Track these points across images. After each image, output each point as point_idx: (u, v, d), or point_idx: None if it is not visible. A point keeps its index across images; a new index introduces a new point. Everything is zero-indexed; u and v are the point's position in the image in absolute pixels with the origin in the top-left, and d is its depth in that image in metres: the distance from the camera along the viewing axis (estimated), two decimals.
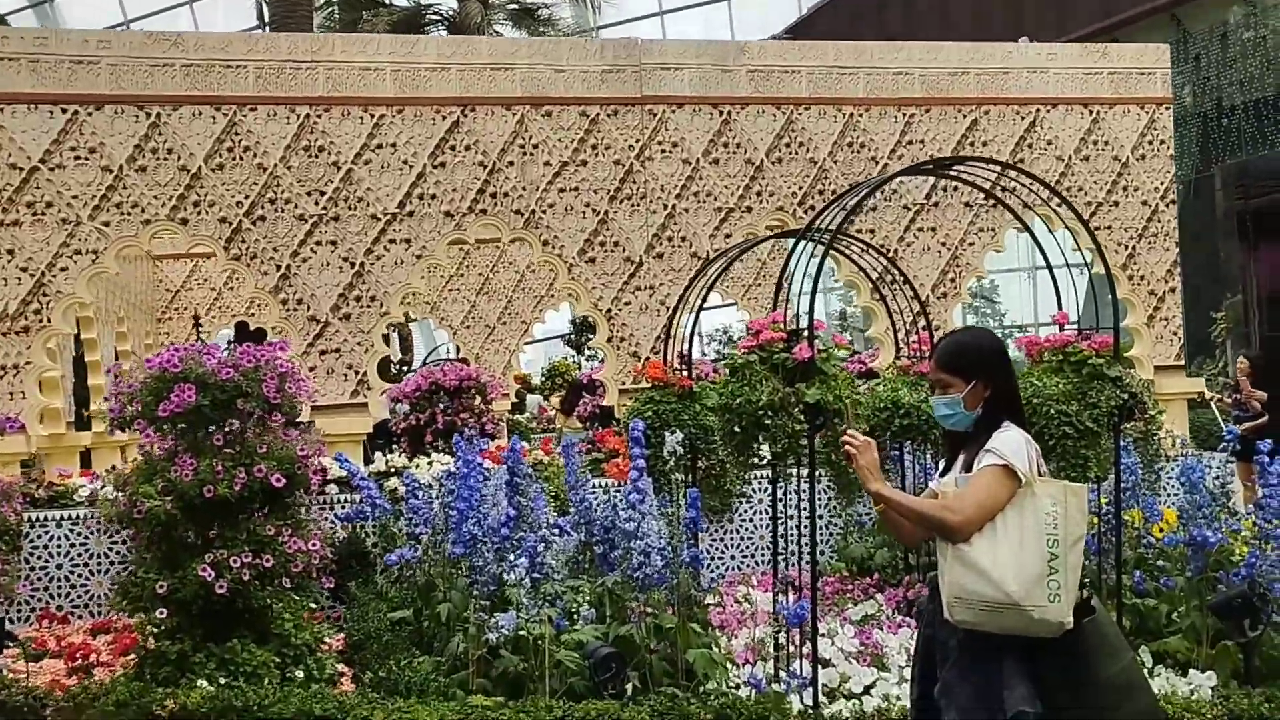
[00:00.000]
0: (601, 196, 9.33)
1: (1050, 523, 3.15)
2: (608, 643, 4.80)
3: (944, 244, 10.05)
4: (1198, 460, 6.18)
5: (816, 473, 5.22)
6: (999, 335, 3.58)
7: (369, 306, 8.84)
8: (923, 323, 7.23)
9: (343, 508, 7.60)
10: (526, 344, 17.51)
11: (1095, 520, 5.56)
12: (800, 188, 9.76)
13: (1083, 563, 3.21)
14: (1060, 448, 5.34)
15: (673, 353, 6.91)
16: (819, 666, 5.66)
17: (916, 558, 7.42)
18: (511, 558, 4.90)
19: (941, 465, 3.61)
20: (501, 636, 4.80)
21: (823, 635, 6.32)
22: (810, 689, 5.01)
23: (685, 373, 6.56)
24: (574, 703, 4.47)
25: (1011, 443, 3.27)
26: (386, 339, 23.49)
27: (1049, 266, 5.95)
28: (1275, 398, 9.13)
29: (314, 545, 5.39)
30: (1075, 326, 5.70)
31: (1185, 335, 20.95)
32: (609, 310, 9.39)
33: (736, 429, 5.01)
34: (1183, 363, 10.38)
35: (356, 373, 8.79)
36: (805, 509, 5.35)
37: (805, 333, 5.07)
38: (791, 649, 5.70)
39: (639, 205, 9.40)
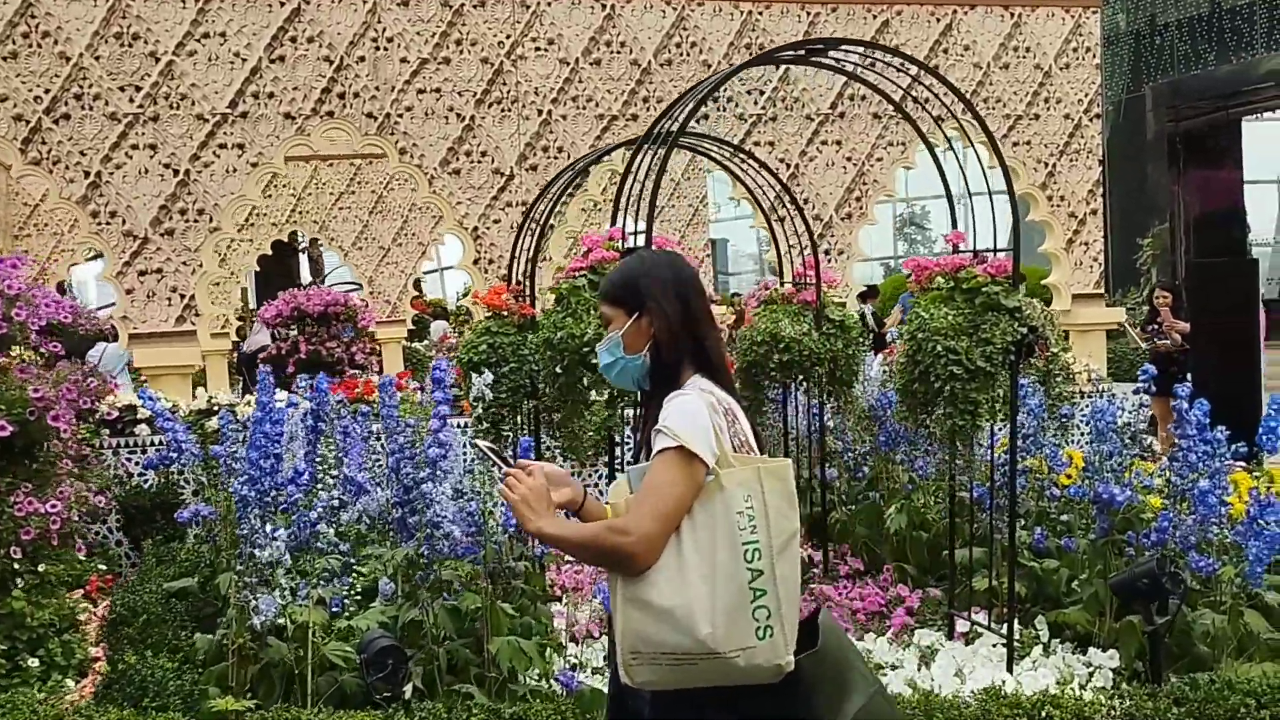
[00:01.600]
0: (467, 99, 8.28)
1: (745, 526, 2.17)
2: (392, 631, 3.94)
3: (850, 159, 9.17)
4: (1110, 401, 5.43)
5: None
6: (692, 265, 2.55)
7: (196, 221, 7.76)
8: (820, 246, 6.35)
9: (157, 451, 6.62)
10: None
11: (988, 471, 4.79)
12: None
13: (799, 572, 2.26)
14: (949, 390, 4.53)
15: (518, 274, 6.00)
16: None
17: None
18: (273, 525, 3.98)
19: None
20: (267, 622, 3.91)
21: None
22: None
23: (529, 300, 5.64)
24: (335, 710, 3.61)
25: (687, 410, 2.25)
26: (297, 259, 22.22)
27: (946, 188, 5.10)
28: (1203, 325, 8.46)
29: (53, 506, 4.43)
30: (975, 250, 4.86)
31: (1110, 262, 20.44)
32: (475, 228, 8.40)
33: (558, 368, 4.12)
34: (1103, 291, 9.67)
35: (182, 296, 7.74)
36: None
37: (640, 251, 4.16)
38: None
39: (510, 110, 8.37)
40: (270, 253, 14.80)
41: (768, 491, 2.22)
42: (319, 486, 4.66)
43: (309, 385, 5.12)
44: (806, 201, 9.09)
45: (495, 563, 4.29)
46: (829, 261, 9.14)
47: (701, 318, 2.43)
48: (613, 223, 4.46)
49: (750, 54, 8.84)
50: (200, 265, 7.76)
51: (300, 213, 15.31)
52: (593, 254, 4.21)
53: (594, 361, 4.06)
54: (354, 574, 4.30)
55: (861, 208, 9.22)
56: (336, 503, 4.19)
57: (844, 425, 6.60)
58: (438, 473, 4.03)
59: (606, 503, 2.34)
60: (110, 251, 7.58)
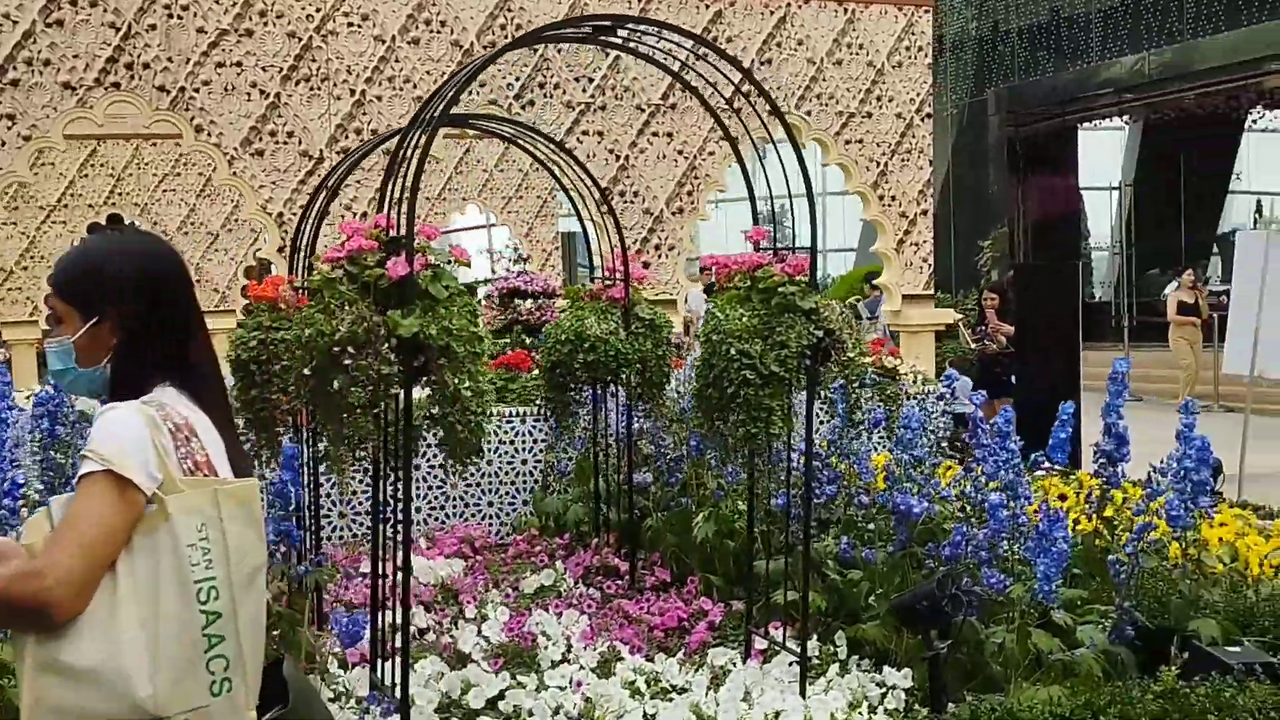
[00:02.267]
0: (271, 75, 7.73)
1: (199, 561, 1.82)
2: None
3: (681, 152, 8.91)
4: (918, 408, 5.27)
5: (416, 433, 3.96)
6: (175, 249, 2.15)
7: None
8: (647, 240, 6.03)
9: None
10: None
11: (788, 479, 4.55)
12: (517, 77, 8.41)
13: (265, 613, 1.93)
14: (742, 396, 4.26)
15: (300, 266, 5.53)
16: (449, 669, 4.50)
17: (610, 512, 6.34)
18: None
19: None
20: None
21: (470, 620, 5.17)
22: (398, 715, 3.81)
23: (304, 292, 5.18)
24: None
25: (115, 426, 1.87)
26: None
27: (749, 186, 4.86)
28: (1027, 327, 8.49)
29: None
30: (774, 248, 4.62)
31: (953, 263, 20.88)
32: (280, 214, 7.85)
33: (306, 370, 3.70)
34: (932, 291, 9.66)
35: None
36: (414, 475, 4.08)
37: (404, 241, 3.77)
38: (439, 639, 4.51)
39: (319, 89, 7.85)
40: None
41: (227, 518, 1.87)
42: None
43: None
44: (637, 194, 8.81)
45: None
46: (659, 258, 8.89)
47: (179, 317, 2.05)
48: (380, 210, 4.04)
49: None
50: None
51: (120, 194, 14.41)
52: (350, 242, 3.81)
53: (346, 362, 3.67)
54: None
55: (693, 202, 8.98)
56: None
57: (657, 429, 6.32)
58: None
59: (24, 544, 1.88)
60: None
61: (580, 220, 6.36)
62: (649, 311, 5.86)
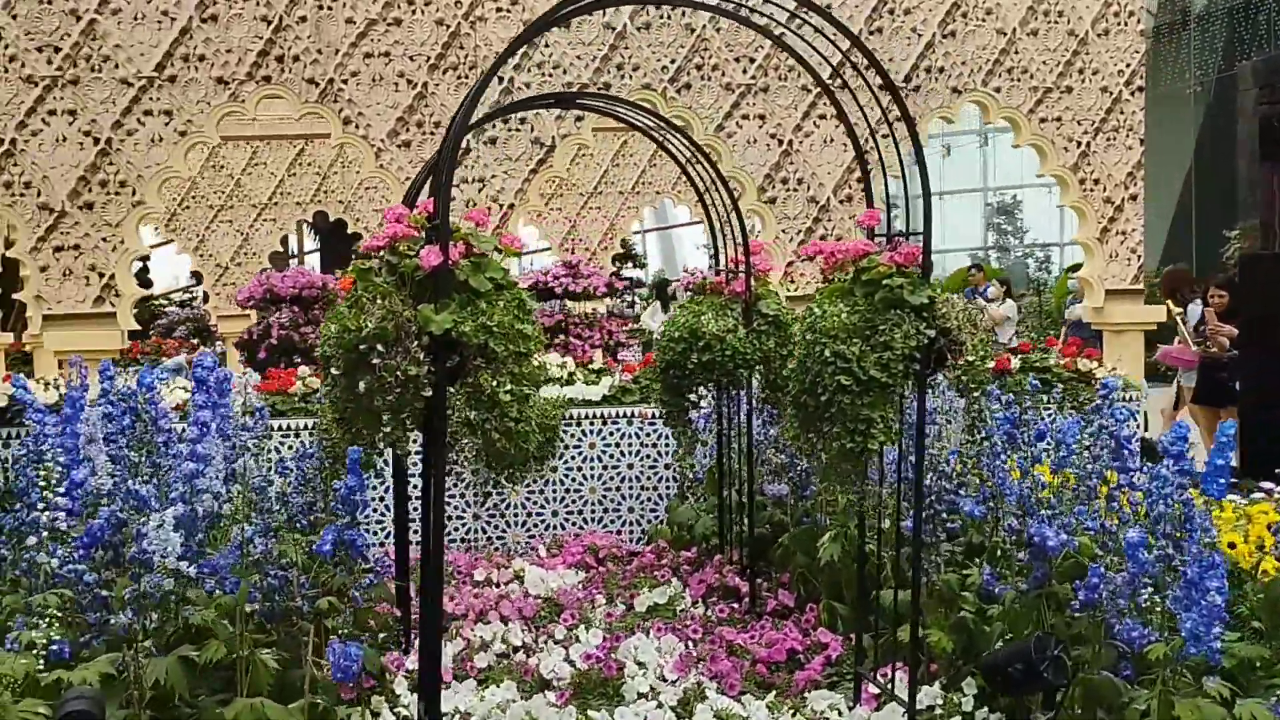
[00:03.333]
0: (419, 65, 7.59)
1: None
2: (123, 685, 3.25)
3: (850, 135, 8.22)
4: (1095, 415, 4.48)
5: (454, 441, 3.57)
6: None
7: (117, 194, 7.21)
8: (746, 228, 5.49)
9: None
10: None
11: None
12: (673, 59, 7.97)
13: None
14: (836, 405, 3.67)
15: None
16: (520, 697, 4.13)
17: (735, 527, 5.81)
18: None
19: None
20: None
21: (560, 642, 4.77)
22: None
23: None
24: None
25: None
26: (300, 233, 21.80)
27: (862, 162, 4.26)
28: (1252, 328, 7.39)
29: None
30: (889, 235, 4.00)
31: (1193, 257, 18.96)
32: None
33: (334, 369, 3.39)
34: (1141, 286, 8.58)
35: (101, 275, 7.21)
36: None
37: (439, 227, 3.39)
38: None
39: (467, 77, 7.65)
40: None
41: None
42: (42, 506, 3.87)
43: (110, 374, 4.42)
44: (801, 182, 8.21)
45: (273, 598, 3.59)
46: None
47: None
48: (433, 194, 3.69)
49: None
50: (122, 242, 7.21)
51: (325, 192, 14.87)
52: (389, 229, 3.47)
53: (374, 362, 3.33)
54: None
55: (864, 189, 8.26)
56: (61, 523, 3.52)
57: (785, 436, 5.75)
58: (176, 490, 3.35)
59: None
60: (24, 226, 7.07)
61: (706, 212, 5.81)
62: (774, 307, 5.30)
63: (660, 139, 5.67)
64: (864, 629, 4.43)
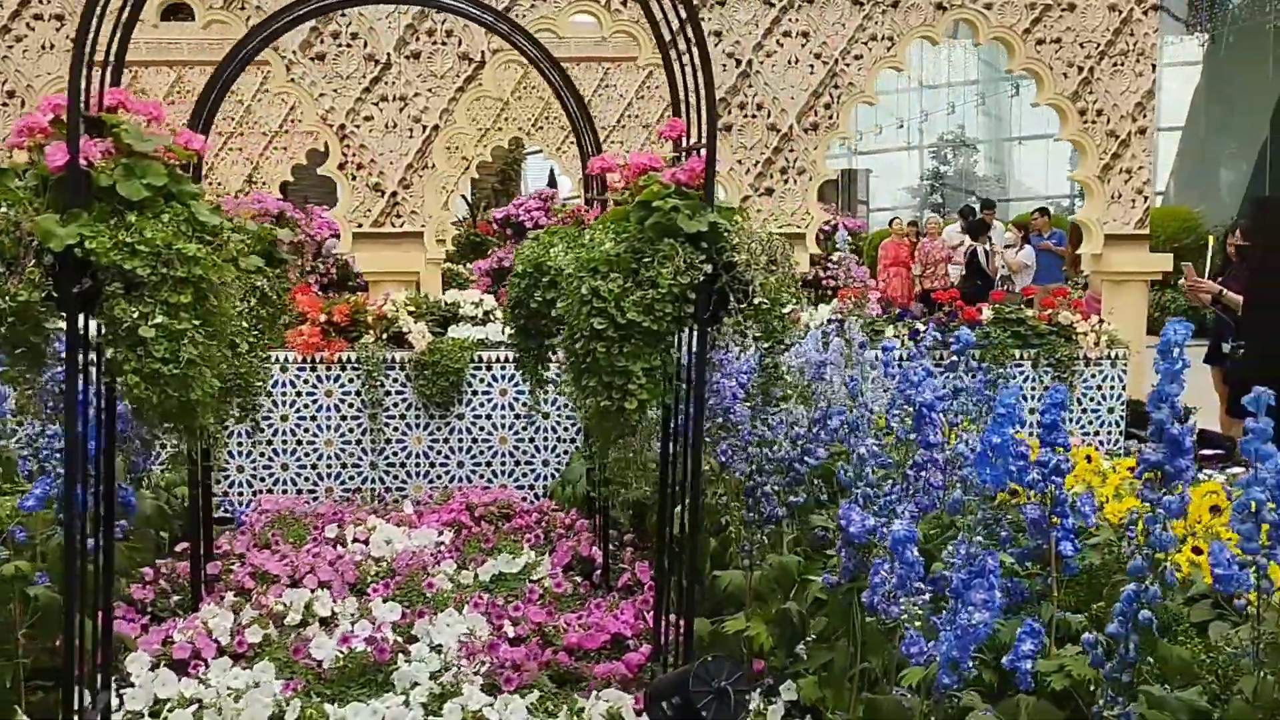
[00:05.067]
0: None
1: None
2: None
3: (819, 56, 7.39)
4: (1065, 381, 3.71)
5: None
6: None
7: (4, 105, 6.71)
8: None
9: None
10: None
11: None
12: None
13: None
14: (591, 355, 2.99)
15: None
16: (305, 674, 3.56)
17: (598, 489, 5.15)
18: None
19: None
20: None
21: (350, 618, 4.20)
22: None
23: None
24: None
25: None
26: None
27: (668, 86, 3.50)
28: (1260, 276, 6.46)
29: None
30: (692, 148, 3.27)
31: (1247, 194, 17.44)
32: (342, 126, 7.10)
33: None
34: (1145, 232, 7.63)
35: None
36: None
37: (71, 115, 2.75)
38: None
39: None
40: None
41: None
42: None
43: None
44: (760, 107, 7.41)
45: None
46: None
47: None
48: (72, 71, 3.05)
49: None
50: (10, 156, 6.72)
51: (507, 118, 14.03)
52: (30, 119, 2.85)
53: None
54: None
55: (831, 117, 7.46)
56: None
57: None
58: None
59: None
60: None
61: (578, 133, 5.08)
62: None
63: (533, 55, 4.95)
64: (695, 615, 3.77)
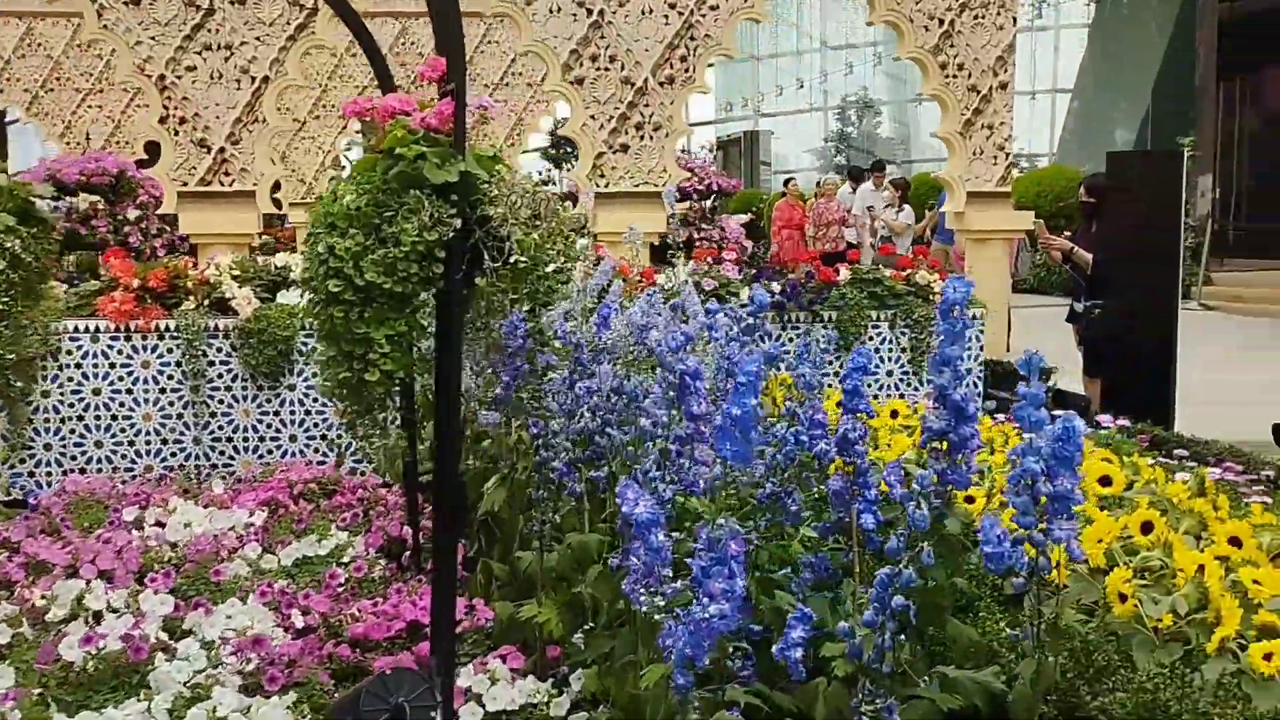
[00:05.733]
0: None
1: None
2: None
3: (673, 6, 7.10)
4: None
5: None
6: None
7: None
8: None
9: None
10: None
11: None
12: None
13: None
14: (330, 321, 2.68)
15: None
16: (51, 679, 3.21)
17: (396, 464, 4.85)
18: None
19: None
20: None
21: (115, 612, 3.85)
22: None
23: None
24: None
25: None
26: None
27: None
28: (1110, 235, 6.36)
29: None
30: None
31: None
32: (162, 77, 6.62)
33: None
34: (1008, 189, 7.52)
35: None
36: None
37: None
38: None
39: None
40: None
41: None
42: None
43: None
44: (614, 59, 7.10)
45: None
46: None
47: None
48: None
49: None
50: None
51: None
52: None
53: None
54: None
55: (688, 70, 7.18)
56: None
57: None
58: None
59: None
60: None
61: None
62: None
63: None
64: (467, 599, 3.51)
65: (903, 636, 2.64)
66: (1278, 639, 2.67)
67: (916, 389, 6.48)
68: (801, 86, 35.69)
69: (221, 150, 6.68)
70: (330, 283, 2.62)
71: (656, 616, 2.22)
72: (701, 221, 10.09)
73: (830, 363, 3.97)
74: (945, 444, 2.61)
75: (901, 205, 12.62)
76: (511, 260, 2.64)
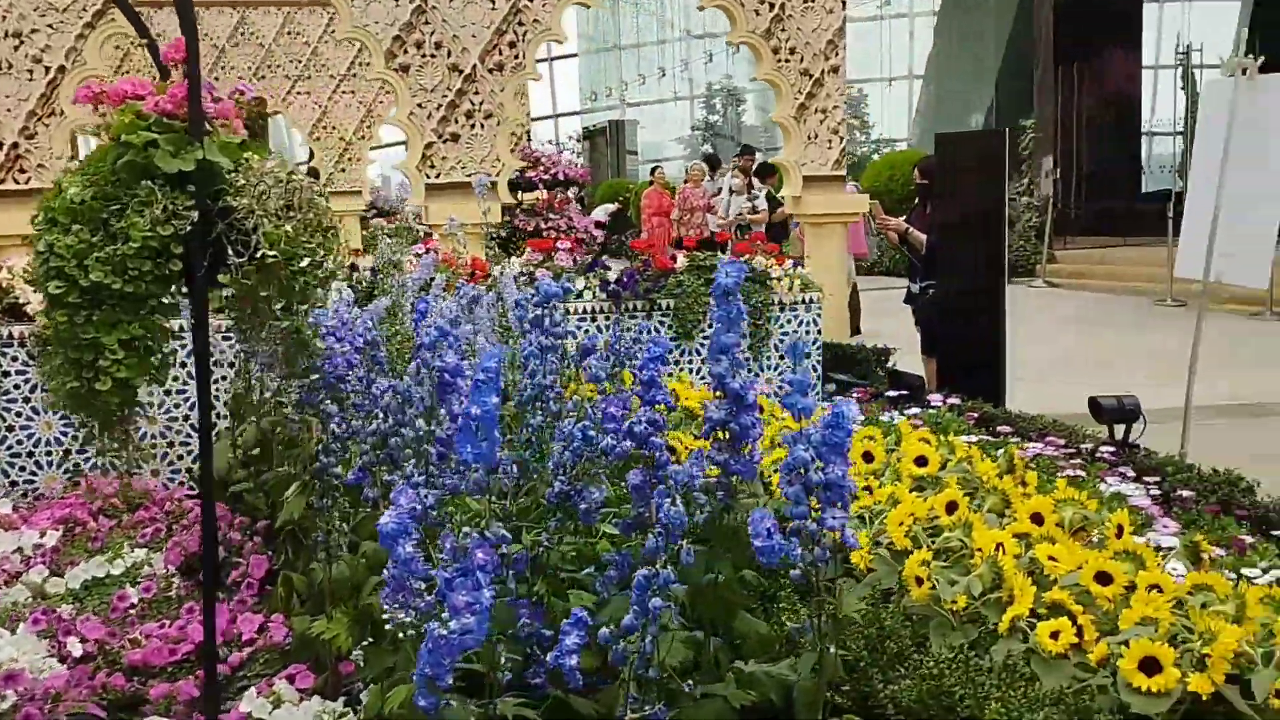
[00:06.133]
0: None
1: None
2: None
3: None
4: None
5: None
6: None
7: None
8: None
9: None
10: None
11: None
12: None
13: None
14: (55, 325, 2.44)
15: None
16: None
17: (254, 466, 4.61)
18: None
19: None
20: None
21: None
22: None
23: None
24: None
25: None
26: None
27: None
28: (942, 214, 6.41)
29: None
30: None
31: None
32: None
33: None
34: (844, 173, 7.55)
35: None
36: None
37: None
38: None
39: None
40: None
41: None
42: None
43: None
44: (440, 46, 6.87)
45: None
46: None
47: None
48: None
49: None
50: None
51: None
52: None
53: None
54: None
55: (517, 56, 7.00)
56: None
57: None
58: None
59: None
60: None
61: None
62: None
63: None
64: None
65: (698, 634, 2.54)
66: (1064, 617, 2.65)
67: (756, 375, 6.44)
68: (664, 75, 35.76)
69: (15, 146, 6.25)
70: (52, 284, 2.39)
71: (405, 633, 2.07)
72: (549, 211, 9.93)
73: (670, 352, 3.86)
74: (728, 434, 2.52)
75: (756, 191, 12.66)
76: (259, 255, 2.45)
